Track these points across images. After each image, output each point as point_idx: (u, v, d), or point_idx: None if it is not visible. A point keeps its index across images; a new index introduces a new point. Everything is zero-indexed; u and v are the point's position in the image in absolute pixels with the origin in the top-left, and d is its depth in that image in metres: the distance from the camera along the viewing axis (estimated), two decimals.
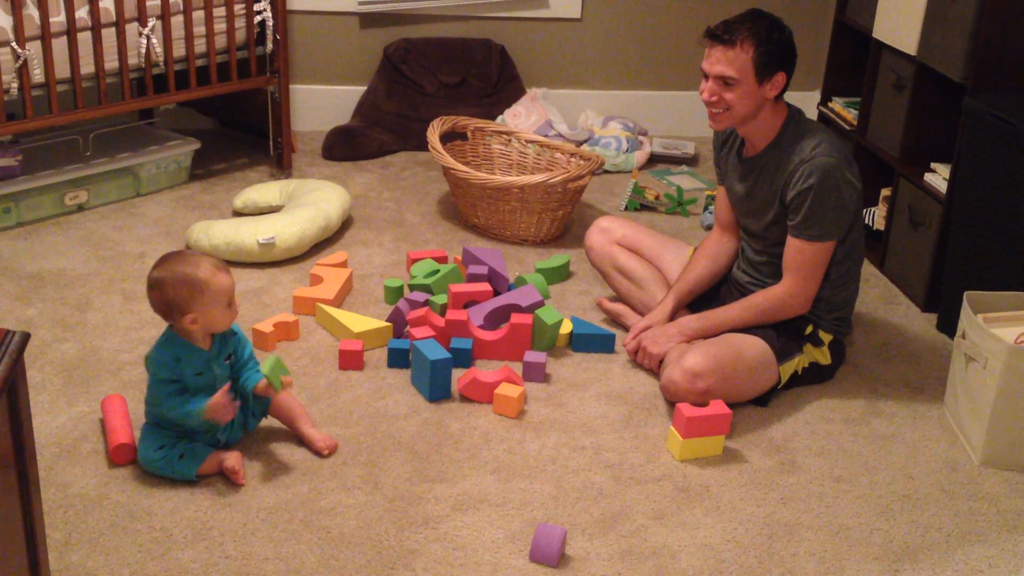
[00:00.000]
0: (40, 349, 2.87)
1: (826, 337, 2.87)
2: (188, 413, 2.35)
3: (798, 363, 2.82)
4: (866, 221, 3.82)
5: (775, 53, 2.66)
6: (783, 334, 2.80)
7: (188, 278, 2.32)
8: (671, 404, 2.73)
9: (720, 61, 2.67)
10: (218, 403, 2.32)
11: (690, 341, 2.81)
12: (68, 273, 3.31)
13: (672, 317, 2.94)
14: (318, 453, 2.50)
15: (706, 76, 2.72)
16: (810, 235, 2.71)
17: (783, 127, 2.76)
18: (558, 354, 3.00)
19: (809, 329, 2.84)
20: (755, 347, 2.75)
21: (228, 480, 2.39)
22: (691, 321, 2.85)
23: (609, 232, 3.20)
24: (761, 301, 2.80)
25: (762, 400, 2.80)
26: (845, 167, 2.71)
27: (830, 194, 2.67)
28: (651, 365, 2.87)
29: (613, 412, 2.75)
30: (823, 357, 2.87)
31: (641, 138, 4.51)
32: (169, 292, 2.33)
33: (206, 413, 2.33)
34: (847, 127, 3.90)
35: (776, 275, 2.83)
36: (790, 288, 2.77)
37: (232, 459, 2.39)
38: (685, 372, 2.65)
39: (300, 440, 2.54)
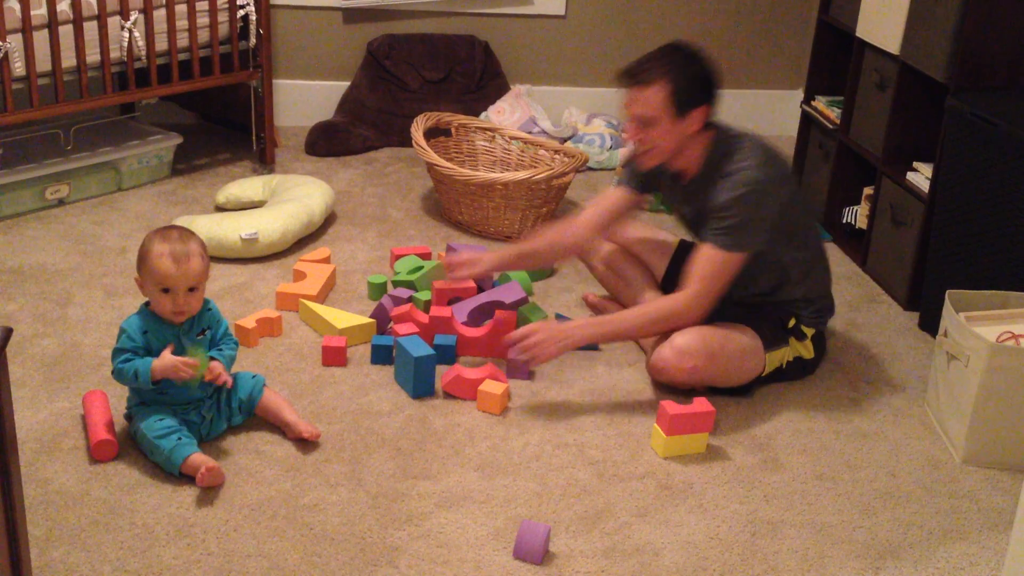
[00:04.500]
0: (21, 344, 2.85)
1: (808, 331, 2.87)
2: (136, 372, 2.36)
3: (784, 355, 2.83)
4: (848, 220, 3.84)
5: (692, 88, 2.61)
6: (769, 325, 2.81)
7: (148, 240, 2.42)
8: (655, 399, 2.74)
9: (636, 102, 2.64)
10: (166, 361, 2.36)
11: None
12: (49, 268, 3.29)
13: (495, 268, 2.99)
14: (301, 436, 2.49)
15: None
16: (722, 243, 2.65)
17: (711, 151, 2.71)
18: None
19: (792, 322, 2.84)
20: (744, 333, 2.76)
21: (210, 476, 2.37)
22: (585, 328, 2.75)
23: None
24: (658, 308, 2.74)
25: (746, 389, 2.81)
26: (770, 182, 2.65)
27: (750, 207, 2.62)
28: (526, 357, 2.71)
29: (597, 409, 2.75)
30: (806, 351, 2.88)
31: (625, 135, 4.51)
32: (139, 251, 2.43)
33: (156, 373, 2.36)
34: (830, 126, 3.92)
35: (747, 284, 2.82)
36: (689, 296, 2.69)
37: (209, 465, 2.35)
38: (675, 349, 2.67)
39: (284, 433, 2.54)
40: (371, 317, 3.01)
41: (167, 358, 2.37)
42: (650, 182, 2.92)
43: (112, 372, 2.42)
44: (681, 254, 3.06)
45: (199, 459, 2.34)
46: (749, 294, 2.83)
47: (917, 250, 3.31)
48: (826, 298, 2.93)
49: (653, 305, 2.77)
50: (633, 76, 2.64)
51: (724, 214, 2.63)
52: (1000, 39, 3.08)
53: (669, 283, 3.03)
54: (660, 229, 3.23)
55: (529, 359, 2.71)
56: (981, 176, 2.97)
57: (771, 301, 2.84)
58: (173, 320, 2.43)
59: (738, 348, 2.74)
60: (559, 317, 3.08)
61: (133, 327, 2.42)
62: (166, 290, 2.38)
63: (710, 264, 2.67)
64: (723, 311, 2.78)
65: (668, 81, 2.59)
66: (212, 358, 2.45)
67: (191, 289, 2.40)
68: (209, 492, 2.34)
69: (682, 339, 2.67)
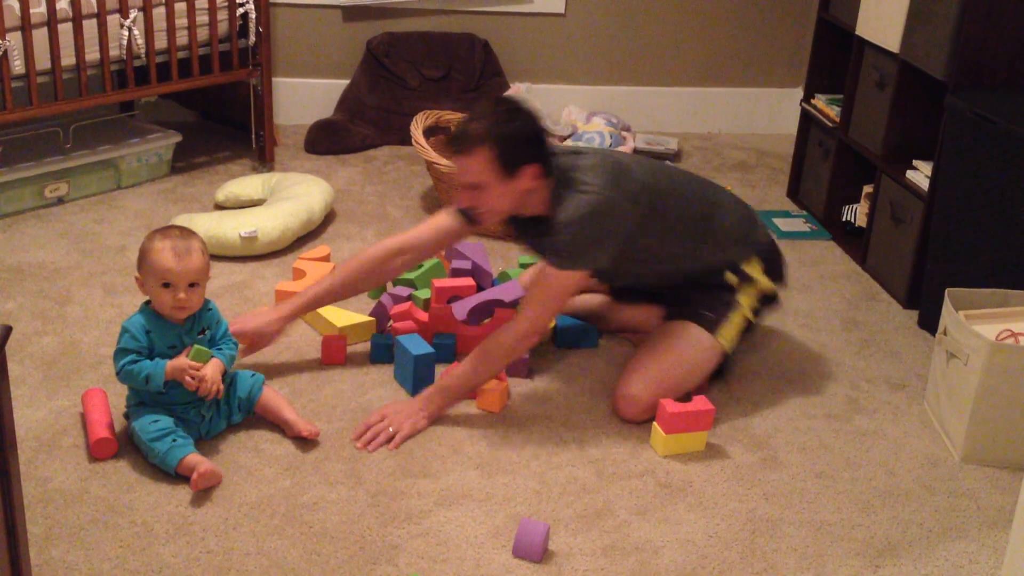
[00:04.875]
0: (20, 343, 2.85)
1: (754, 265, 2.80)
2: (148, 376, 2.36)
3: (740, 316, 2.77)
4: (848, 218, 3.84)
5: (517, 149, 2.52)
6: (710, 304, 2.77)
7: (148, 238, 2.43)
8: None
9: (462, 170, 2.55)
10: (177, 364, 2.38)
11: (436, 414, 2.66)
12: (48, 266, 3.28)
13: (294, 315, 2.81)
14: (300, 435, 2.49)
15: None
16: (558, 262, 2.58)
17: (553, 194, 2.60)
18: (541, 349, 2.99)
19: (731, 278, 2.77)
20: (684, 336, 2.74)
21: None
22: (433, 397, 2.64)
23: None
24: (499, 344, 2.64)
25: (718, 373, 2.82)
26: (611, 202, 2.57)
27: (586, 228, 2.55)
28: (381, 443, 2.55)
29: (596, 407, 2.75)
30: (765, 284, 2.81)
31: (624, 133, 4.51)
32: (139, 250, 2.44)
33: (170, 372, 2.38)
34: (830, 124, 3.91)
35: (637, 276, 2.81)
36: (527, 320, 2.63)
37: (204, 466, 2.34)
38: (627, 401, 2.67)
39: (283, 432, 2.54)
40: (371, 315, 3.01)
41: (178, 361, 2.39)
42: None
43: (117, 373, 2.41)
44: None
45: (194, 460, 2.34)
46: (669, 285, 2.84)
47: (917, 248, 3.31)
48: (741, 227, 2.83)
49: (494, 341, 2.65)
50: (455, 144, 2.54)
51: (560, 235, 2.56)
52: (1000, 37, 3.07)
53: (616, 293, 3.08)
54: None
55: (387, 442, 2.54)
56: (981, 174, 2.97)
57: (695, 282, 2.80)
58: (174, 317, 2.43)
59: (688, 360, 2.72)
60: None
61: (136, 327, 2.42)
62: (167, 285, 2.38)
63: (546, 284, 2.62)
64: (671, 312, 2.83)
65: (490, 146, 2.49)
66: (212, 356, 2.45)
67: (192, 285, 2.40)
68: (208, 490, 2.34)
69: (632, 389, 2.67)
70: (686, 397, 2.68)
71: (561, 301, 2.69)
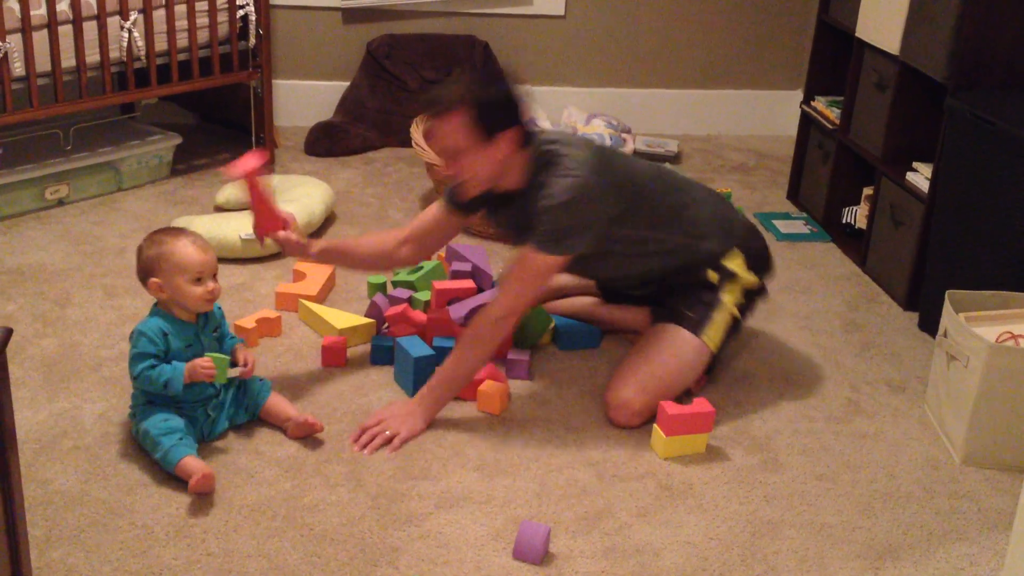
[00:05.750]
0: (20, 345, 2.85)
1: (735, 260, 2.79)
2: (167, 382, 2.37)
3: (725, 315, 2.76)
4: (848, 220, 3.84)
5: (494, 112, 2.49)
6: (692, 304, 2.76)
7: (160, 244, 2.43)
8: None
9: (438, 135, 2.52)
10: (198, 363, 2.40)
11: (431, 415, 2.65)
12: (48, 268, 3.28)
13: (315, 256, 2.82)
14: (306, 422, 2.51)
15: None
16: (542, 246, 2.55)
17: (532, 167, 2.59)
18: (541, 351, 3.00)
19: (712, 276, 2.77)
20: (669, 339, 2.73)
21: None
22: (426, 395, 2.62)
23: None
24: (477, 330, 2.62)
25: (707, 372, 2.83)
26: (596, 188, 2.56)
27: (571, 212, 2.54)
28: (377, 445, 2.54)
29: (597, 409, 2.75)
30: (748, 279, 2.80)
31: (624, 135, 4.51)
32: (143, 257, 2.45)
33: (188, 375, 2.39)
34: (829, 126, 3.91)
35: (617, 268, 2.81)
36: (504, 301, 2.61)
37: (202, 470, 2.33)
38: (618, 406, 2.67)
39: (284, 434, 2.54)
40: (365, 316, 3.01)
41: (194, 362, 2.40)
42: (472, 205, 2.76)
43: (135, 378, 2.41)
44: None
45: (194, 464, 2.33)
46: (651, 280, 2.85)
47: (917, 250, 3.31)
48: (715, 223, 2.81)
49: (472, 330, 2.63)
50: (431, 108, 2.53)
51: (545, 218, 2.54)
52: (999, 39, 3.08)
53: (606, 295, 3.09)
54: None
55: (385, 444, 2.54)
56: (981, 176, 2.97)
57: (677, 279, 2.80)
58: (203, 309, 2.47)
59: (674, 363, 2.71)
60: (557, 317, 3.07)
61: (153, 330, 2.42)
62: (199, 279, 2.42)
63: (527, 266, 2.59)
64: (658, 312, 2.84)
65: (467, 108, 2.46)
66: (230, 359, 2.49)
67: (214, 275, 2.47)
68: (208, 493, 2.34)
69: (621, 395, 2.66)
70: (686, 398, 2.68)
71: (537, 285, 2.66)
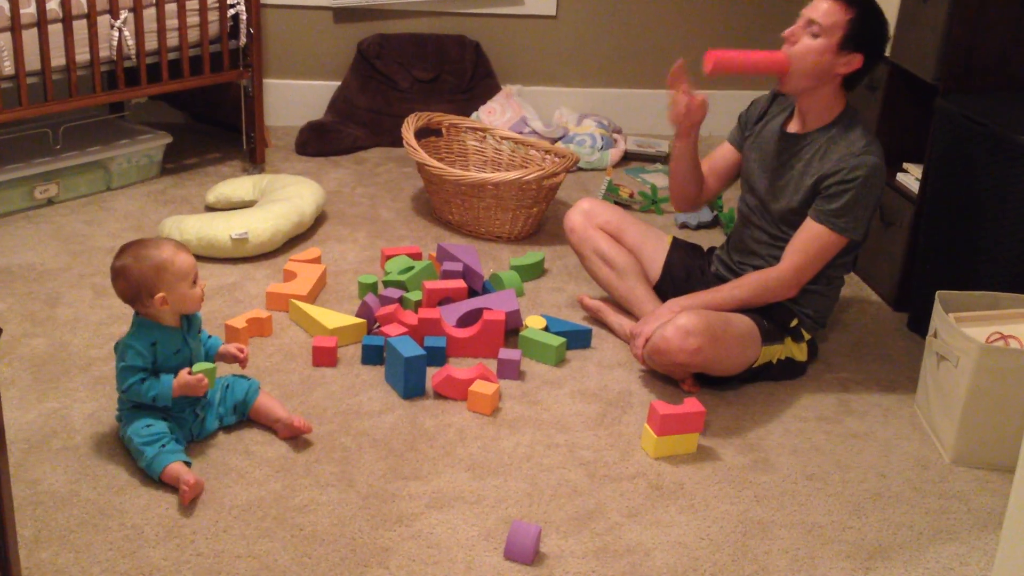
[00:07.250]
0: (9, 344, 2.84)
1: (806, 335, 2.89)
2: (155, 397, 2.37)
3: (776, 352, 2.84)
4: None
5: (866, 31, 2.67)
6: (769, 320, 2.82)
7: (152, 258, 2.39)
8: (646, 399, 2.74)
9: (818, 8, 2.69)
10: (182, 380, 2.40)
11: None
12: (38, 267, 3.27)
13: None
14: (293, 424, 2.50)
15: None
16: (835, 224, 2.70)
17: (840, 115, 2.77)
18: None
19: (794, 323, 2.86)
20: (743, 321, 2.78)
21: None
22: (681, 300, 2.82)
23: (591, 215, 3.12)
24: (755, 279, 2.80)
25: (732, 380, 2.84)
26: (882, 174, 2.73)
27: (870, 193, 2.69)
28: (640, 344, 2.79)
29: (588, 409, 2.75)
30: (800, 353, 2.90)
31: (616, 136, 4.52)
32: (135, 275, 2.38)
33: (177, 390, 2.38)
34: None
35: (767, 260, 2.85)
36: (787, 270, 2.76)
37: (189, 477, 2.33)
38: (678, 329, 2.66)
39: (275, 434, 2.53)
40: (356, 316, 3.01)
41: (183, 377, 2.40)
42: (747, 137, 2.99)
43: (124, 391, 2.40)
44: (674, 255, 3.07)
45: (179, 470, 2.32)
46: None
47: (906, 251, 3.31)
48: (830, 311, 2.97)
49: (749, 277, 2.82)
50: None
51: (843, 188, 2.66)
52: (989, 40, 3.09)
53: (665, 285, 3.05)
54: (643, 222, 3.22)
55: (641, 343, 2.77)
56: (971, 177, 2.97)
57: (784, 300, 2.85)
58: (196, 309, 2.47)
59: (738, 333, 2.75)
60: (549, 319, 3.07)
61: (141, 342, 2.40)
62: (194, 281, 2.44)
63: (817, 242, 2.72)
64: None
65: (855, 10, 2.64)
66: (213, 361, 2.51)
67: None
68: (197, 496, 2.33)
69: (686, 319, 2.67)
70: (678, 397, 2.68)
71: (824, 263, 2.76)
